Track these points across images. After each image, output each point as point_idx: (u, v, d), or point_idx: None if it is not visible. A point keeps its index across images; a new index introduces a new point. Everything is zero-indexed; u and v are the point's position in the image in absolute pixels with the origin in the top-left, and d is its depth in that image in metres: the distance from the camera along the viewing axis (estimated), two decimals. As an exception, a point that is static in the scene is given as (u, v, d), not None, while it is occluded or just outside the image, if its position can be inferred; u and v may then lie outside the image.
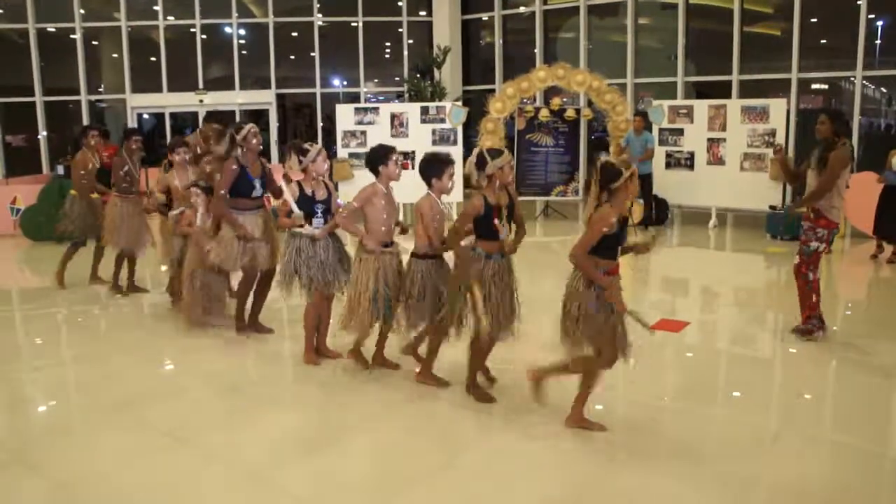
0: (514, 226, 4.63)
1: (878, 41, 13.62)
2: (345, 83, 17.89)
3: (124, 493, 3.65)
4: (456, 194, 12.02)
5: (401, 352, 5.26)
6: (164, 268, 7.13)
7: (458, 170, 4.81)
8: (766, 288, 8.82)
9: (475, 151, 4.48)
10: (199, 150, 6.93)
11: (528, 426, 4.33)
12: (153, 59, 17.12)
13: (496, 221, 4.38)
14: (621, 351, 4.12)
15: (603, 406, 4.54)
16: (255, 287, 6.04)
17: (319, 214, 5.28)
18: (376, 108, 13.09)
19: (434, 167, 4.69)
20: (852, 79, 13.02)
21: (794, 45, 13.21)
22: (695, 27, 14.79)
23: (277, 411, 4.70)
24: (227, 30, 17.33)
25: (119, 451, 4.13)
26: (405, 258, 4.95)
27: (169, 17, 17.23)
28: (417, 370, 5.08)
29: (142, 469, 3.90)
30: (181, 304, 6.46)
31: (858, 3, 12.67)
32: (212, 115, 8.14)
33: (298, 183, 5.30)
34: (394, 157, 4.94)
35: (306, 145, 5.33)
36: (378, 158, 4.93)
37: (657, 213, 11.82)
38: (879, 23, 13.41)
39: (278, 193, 5.70)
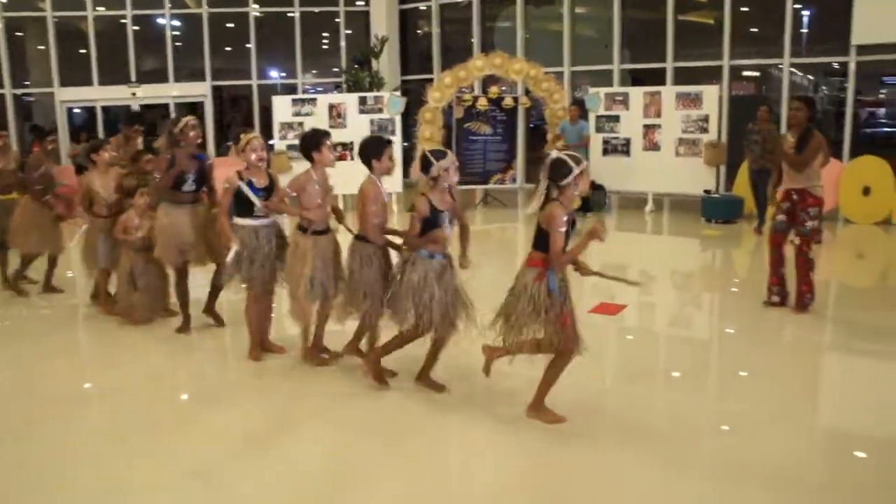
0: (457, 228, 4.60)
1: (805, 30, 14.01)
2: (283, 74, 17.64)
3: (68, 499, 3.54)
4: (395, 184, 12.01)
5: (343, 351, 5.13)
6: (85, 273, 6.84)
7: (397, 158, 4.78)
8: (702, 270, 9.00)
9: (418, 154, 4.47)
10: (121, 152, 6.78)
11: (479, 413, 4.33)
12: (82, 51, 16.63)
13: (445, 225, 4.38)
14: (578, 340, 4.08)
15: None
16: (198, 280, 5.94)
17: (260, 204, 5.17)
18: (313, 99, 12.97)
19: (373, 148, 4.66)
20: (781, 66, 13.33)
21: (725, 33, 13.47)
22: (630, 15, 14.95)
23: (222, 409, 4.58)
24: (161, 20, 16.93)
25: (58, 453, 3.99)
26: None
27: (99, 8, 16.74)
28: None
29: (86, 473, 3.78)
30: (118, 307, 6.29)
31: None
32: (133, 118, 7.92)
33: (238, 173, 5.17)
34: (327, 143, 4.89)
35: (242, 134, 5.24)
36: (311, 144, 4.87)
37: (595, 199, 11.95)
38: (805, 12, 13.78)
39: (213, 185, 5.63)
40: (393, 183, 12.32)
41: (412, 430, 4.21)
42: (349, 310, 4.79)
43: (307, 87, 17.45)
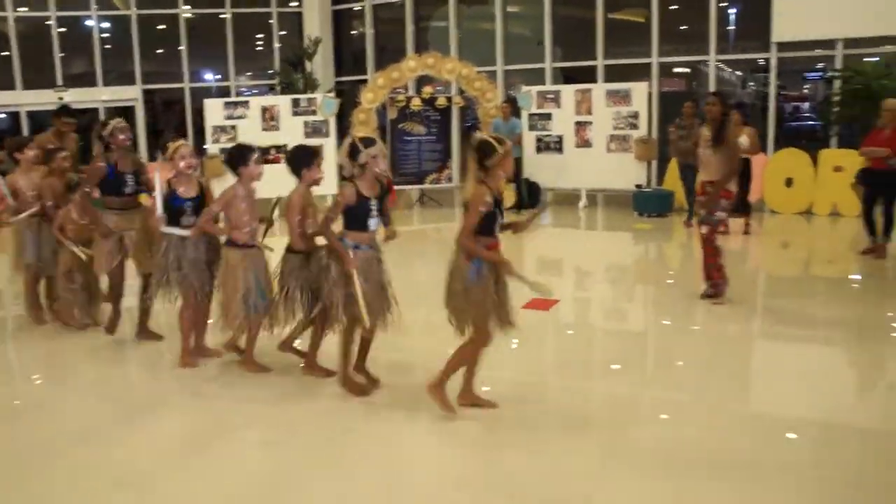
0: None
1: (732, 27, 14.40)
2: (218, 77, 17.39)
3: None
4: (330, 186, 11.95)
5: (278, 348, 5.11)
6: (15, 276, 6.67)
7: (332, 162, 4.77)
8: (635, 263, 9.18)
9: (346, 141, 4.44)
10: (51, 146, 6.60)
11: (418, 408, 4.33)
12: (5, 53, 16.13)
13: (372, 212, 4.38)
14: (505, 322, 4.17)
15: (490, 387, 4.53)
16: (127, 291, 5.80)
17: (190, 213, 5.09)
18: (246, 102, 12.82)
19: (302, 158, 4.67)
20: (709, 62, 13.69)
21: (653, 30, 13.76)
22: (562, 14, 15.15)
23: (155, 417, 4.50)
24: (89, 22, 16.54)
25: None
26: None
27: (21, 9, 16.25)
28: (302, 364, 4.99)
29: (12, 489, 3.68)
30: (56, 306, 6.19)
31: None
32: (63, 110, 7.68)
33: (168, 181, 5.12)
34: (254, 157, 4.86)
35: (170, 142, 5.19)
36: (238, 159, 4.85)
37: (530, 196, 12.11)
38: (732, 10, 14.16)
39: (152, 186, 5.53)
40: (329, 185, 12.28)
41: (350, 430, 4.20)
42: (280, 320, 4.81)
43: (243, 89, 17.26)
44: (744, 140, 9.42)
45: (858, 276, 7.76)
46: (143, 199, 5.66)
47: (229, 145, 11.45)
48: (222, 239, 4.97)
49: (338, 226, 4.46)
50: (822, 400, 4.52)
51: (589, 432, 4.09)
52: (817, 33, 12.65)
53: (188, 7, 16.67)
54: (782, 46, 13.07)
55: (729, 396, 4.62)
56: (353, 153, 4.33)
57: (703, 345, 5.68)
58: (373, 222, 4.41)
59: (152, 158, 15.07)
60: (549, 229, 11.15)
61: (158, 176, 5.18)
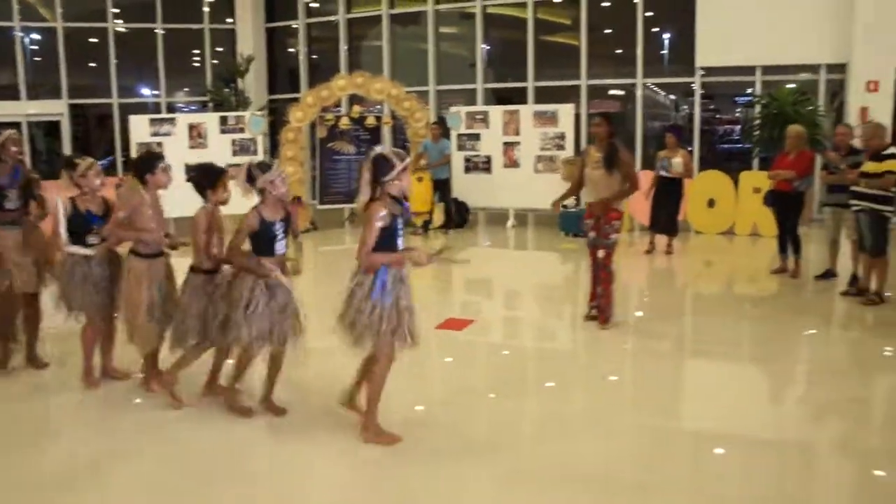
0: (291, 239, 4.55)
1: (665, 52, 14.76)
2: (156, 93, 17.09)
3: None
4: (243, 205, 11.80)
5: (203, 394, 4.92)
6: None
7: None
8: (562, 282, 9.27)
9: (243, 166, 4.39)
10: None
11: (319, 431, 4.31)
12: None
13: (278, 236, 4.34)
14: (410, 338, 4.09)
15: (399, 410, 4.51)
16: (19, 314, 5.56)
17: (95, 231, 4.99)
18: (172, 119, 12.64)
19: (206, 179, 4.60)
20: (636, 85, 14.01)
21: (582, 54, 14.03)
22: (496, 36, 15.35)
23: (35, 446, 4.33)
24: (16, 34, 16.15)
25: None
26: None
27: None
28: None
29: None
30: None
31: (646, 15, 13.72)
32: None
33: (72, 199, 5.01)
34: (161, 166, 4.81)
35: (77, 160, 5.08)
36: (144, 167, 4.81)
37: (458, 216, 12.18)
38: (666, 35, 14.53)
39: (44, 204, 5.39)
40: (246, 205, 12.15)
41: (251, 455, 4.13)
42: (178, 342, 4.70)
43: (181, 105, 17.05)
44: (678, 162, 9.64)
45: (776, 295, 7.98)
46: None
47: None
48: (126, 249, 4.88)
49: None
50: (739, 415, 4.62)
51: (501, 452, 4.09)
52: (738, 59, 13.06)
53: (120, 21, 16.40)
54: (709, 71, 13.46)
55: (652, 412, 4.68)
56: (250, 179, 4.30)
57: (627, 362, 5.77)
58: (279, 246, 4.38)
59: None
60: (478, 249, 11.22)
61: (62, 194, 5.06)
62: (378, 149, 4.04)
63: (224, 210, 4.66)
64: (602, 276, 6.35)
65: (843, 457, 4.18)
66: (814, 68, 12.86)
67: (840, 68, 12.48)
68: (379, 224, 3.91)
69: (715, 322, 6.84)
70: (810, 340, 6.25)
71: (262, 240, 4.33)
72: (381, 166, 3.92)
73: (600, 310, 6.38)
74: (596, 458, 4.00)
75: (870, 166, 6.96)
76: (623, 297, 7.62)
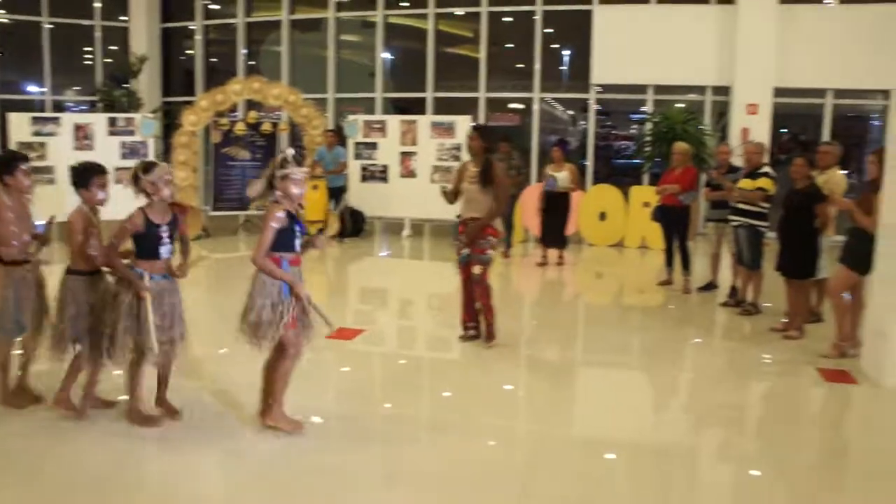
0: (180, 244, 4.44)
1: (563, 68, 15.11)
2: (44, 90, 16.28)
3: None
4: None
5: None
6: None
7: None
8: (457, 293, 9.26)
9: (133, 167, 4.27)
10: None
11: (204, 437, 4.22)
12: None
13: (164, 238, 4.22)
14: (305, 339, 4.23)
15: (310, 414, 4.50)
16: None
17: None
18: (57, 119, 12.08)
19: (79, 177, 4.38)
20: (543, 99, 14.30)
21: (481, 66, 14.22)
22: (396, 46, 15.37)
23: None
24: None
25: None
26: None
27: None
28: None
29: None
30: None
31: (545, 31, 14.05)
32: None
33: None
34: (22, 167, 4.54)
35: None
36: (2, 168, 4.51)
37: (353, 224, 12.09)
38: (566, 52, 14.88)
39: None
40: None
41: (139, 462, 3.99)
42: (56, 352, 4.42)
43: (69, 104, 16.34)
44: (564, 176, 9.83)
45: (662, 306, 8.23)
46: None
47: (38, 164, 11.01)
48: None
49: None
50: (627, 422, 4.73)
51: (394, 457, 4.11)
52: (631, 78, 13.50)
53: (3, 11, 15.62)
54: (605, 88, 13.87)
55: (548, 420, 4.74)
56: (136, 180, 4.21)
57: (519, 372, 5.80)
58: (164, 250, 4.25)
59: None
60: (374, 259, 11.16)
61: None
62: (290, 151, 4.17)
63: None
64: (479, 291, 6.08)
65: (723, 459, 4.37)
66: (701, 89, 13.42)
67: (724, 91, 13.05)
68: (275, 225, 4.00)
69: (604, 332, 6.99)
70: (693, 349, 6.50)
71: (147, 242, 4.21)
72: (282, 163, 4.07)
73: (487, 325, 6.17)
74: (485, 465, 4.00)
75: (745, 183, 7.28)
76: (517, 308, 7.71)
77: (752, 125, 12.30)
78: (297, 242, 4.17)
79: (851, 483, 4.09)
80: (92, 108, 15.65)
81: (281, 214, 4.02)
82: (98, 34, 16.22)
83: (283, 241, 4.09)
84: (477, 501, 3.64)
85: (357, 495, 3.66)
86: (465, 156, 11.81)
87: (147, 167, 4.26)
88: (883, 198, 5.48)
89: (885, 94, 12.54)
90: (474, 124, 6.19)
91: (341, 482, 3.76)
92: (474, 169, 5.98)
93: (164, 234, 4.23)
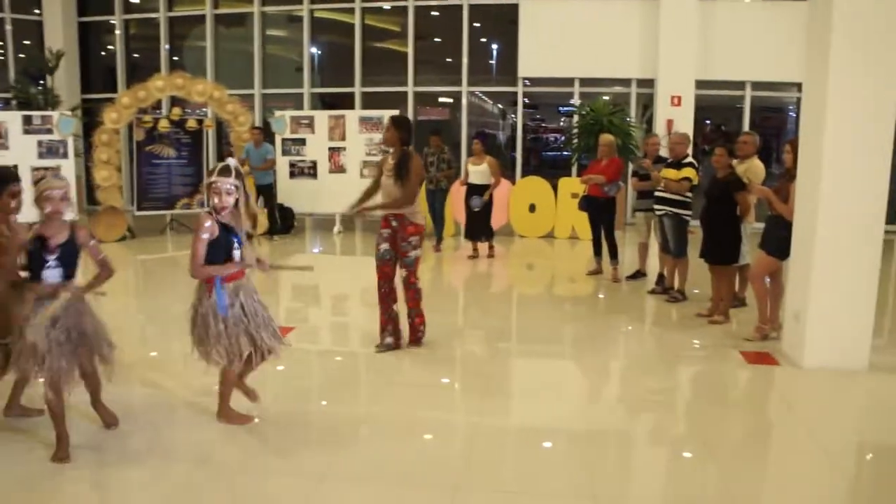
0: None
1: (493, 62, 15.19)
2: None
3: None
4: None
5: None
6: None
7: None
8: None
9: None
10: None
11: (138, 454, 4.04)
12: None
13: (48, 264, 3.82)
14: (264, 349, 4.23)
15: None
16: None
17: None
18: (-35, 117, 11.59)
19: None
20: (473, 92, 14.35)
21: (409, 60, 14.21)
22: (323, 40, 15.23)
23: None
24: None
25: None
26: None
27: None
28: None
29: None
30: None
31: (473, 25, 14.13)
32: None
33: None
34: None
35: None
36: None
37: (283, 221, 11.95)
38: (494, 46, 14.97)
39: None
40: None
41: (68, 475, 3.80)
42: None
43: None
44: (484, 168, 9.92)
45: (592, 294, 8.38)
46: None
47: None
48: None
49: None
50: (562, 410, 4.81)
51: (332, 454, 4.06)
52: (558, 71, 13.68)
53: None
54: (532, 81, 14.02)
55: (477, 412, 4.77)
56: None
57: (455, 364, 5.82)
58: (49, 274, 3.82)
59: None
60: (304, 256, 11.04)
61: None
62: (231, 161, 4.13)
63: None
64: (408, 295, 5.87)
65: (656, 443, 4.46)
66: (626, 82, 13.69)
67: (649, 83, 13.34)
68: (204, 236, 3.92)
69: (536, 322, 7.08)
70: (624, 337, 6.65)
71: (32, 262, 3.83)
72: (210, 171, 4.08)
73: (412, 330, 5.97)
74: (423, 458, 4.04)
75: (670, 173, 7.46)
76: (450, 301, 7.73)
77: (676, 117, 12.61)
78: (237, 254, 4.08)
79: (776, 459, 4.24)
80: (6, 105, 15.04)
81: (208, 224, 3.93)
82: (9, 27, 15.59)
83: (214, 254, 4.00)
84: (415, 493, 3.65)
85: (294, 494, 3.64)
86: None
87: (35, 181, 3.96)
88: (797, 186, 5.69)
89: (799, 86, 13.02)
90: (393, 116, 5.83)
91: (278, 480, 3.74)
92: (391, 161, 5.71)
93: (49, 257, 3.82)
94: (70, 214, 3.99)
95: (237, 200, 4.07)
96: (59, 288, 3.83)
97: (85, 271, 4.11)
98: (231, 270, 4.07)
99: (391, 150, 5.78)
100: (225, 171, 4.02)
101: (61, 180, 3.93)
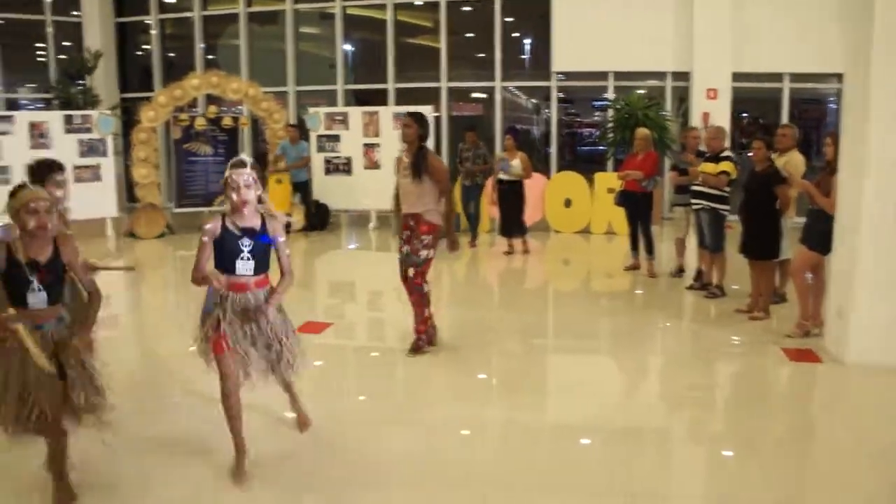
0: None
1: (525, 56, 15.13)
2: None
3: None
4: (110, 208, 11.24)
5: None
6: None
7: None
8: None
9: None
10: None
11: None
12: None
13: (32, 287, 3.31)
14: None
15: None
16: None
17: None
18: (10, 117, 11.81)
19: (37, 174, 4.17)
20: (506, 87, 14.28)
21: (442, 56, 14.19)
22: (356, 37, 15.28)
23: None
24: None
25: None
26: None
27: None
28: None
29: None
30: None
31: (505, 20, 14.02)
32: None
33: None
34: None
35: None
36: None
37: (319, 218, 12.02)
38: (527, 41, 14.90)
39: None
40: (107, 207, 11.63)
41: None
42: None
43: (24, 102, 15.98)
44: (516, 164, 9.87)
45: (629, 290, 8.30)
46: None
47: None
48: None
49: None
50: (600, 406, 4.78)
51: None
52: (592, 65, 13.56)
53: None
54: (566, 76, 13.93)
55: (525, 409, 4.78)
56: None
57: (492, 360, 5.82)
58: (33, 298, 3.32)
59: None
60: (341, 252, 11.11)
61: None
62: (242, 155, 3.82)
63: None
64: (413, 297, 5.59)
65: (695, 441, 4.43)
66: (661, 75, 13.52)
67: (684, 76, 13.17)
68: (204, 238, 3.61)
69: (573, 318, 7.07)
70: (662, 333, 6.59)
71: (10, 284, 3.32)
72: (228, 166, 3.70)
73: (417, 334, 5.70)
74: (460, 454, 4.04)
75: (708, 167, 7.35)
76: (486, 296, 7.69)
77: (712, 110, 12.44)
78: (242, 264, 3.66)
79: (819, 459, 4.17)
80: (47, 105, 15.32)
81: (210, 226, 3.62)
82: (50, 30, 15.86)
83: (221, 259, 3.64)
84: (452, 490, 3.65)
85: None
86: (430, 145, 11.95)
87: (13, 191, 3.35)
88: (839, 179, 5.59)
89: (839, 77, 12.76)
90: (411, 111, 5.53)
91: (318, 480, 3.75)
92: (407, 160, 5.44)
93: (33, 277, 3.31)
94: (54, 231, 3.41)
95: (259, 197, 3.70)
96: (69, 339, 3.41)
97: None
98: (216, 286, 3.66)
99: (405, 148, 5.48)
100: (238, 165, 3.66)
101: (37, 190, 3.39)
